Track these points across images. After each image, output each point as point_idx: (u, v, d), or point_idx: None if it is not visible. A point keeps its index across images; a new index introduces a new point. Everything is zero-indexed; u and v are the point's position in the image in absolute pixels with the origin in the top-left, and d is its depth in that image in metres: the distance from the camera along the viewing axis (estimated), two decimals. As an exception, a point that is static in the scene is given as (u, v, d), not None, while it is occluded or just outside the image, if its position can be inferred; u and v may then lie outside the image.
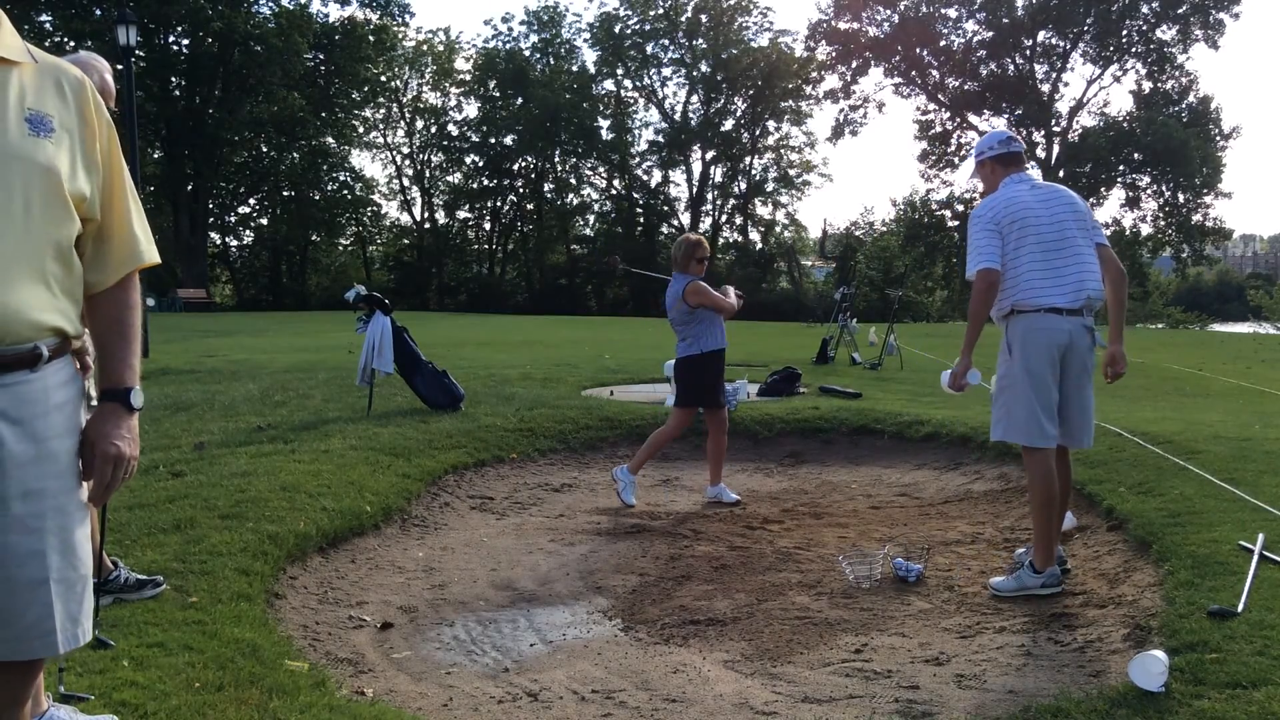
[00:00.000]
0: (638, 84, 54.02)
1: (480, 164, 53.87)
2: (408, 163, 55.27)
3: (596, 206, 56.20)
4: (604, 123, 52.79)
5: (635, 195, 54.66)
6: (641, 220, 54.47)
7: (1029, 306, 4.17)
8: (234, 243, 53.25)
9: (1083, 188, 45.51)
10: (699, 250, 6.36)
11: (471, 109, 56.07)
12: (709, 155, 53.14)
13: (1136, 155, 43.73)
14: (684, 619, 4.22)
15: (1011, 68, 47.29)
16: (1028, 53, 46.80)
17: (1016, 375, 4.19)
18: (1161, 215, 46.03)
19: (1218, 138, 44.19)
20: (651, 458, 6.58)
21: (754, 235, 54.84)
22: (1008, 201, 4.29)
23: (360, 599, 4.45)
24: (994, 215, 4.27)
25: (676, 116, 53.19)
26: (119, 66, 15.66)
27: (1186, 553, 4.25)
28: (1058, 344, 4.15)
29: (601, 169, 54.45)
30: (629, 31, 52.12)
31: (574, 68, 53.70)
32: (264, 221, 51.85)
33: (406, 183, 55.86)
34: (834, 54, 48.48)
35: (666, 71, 53.87)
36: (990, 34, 46.40)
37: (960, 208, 48.85)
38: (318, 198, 48.63)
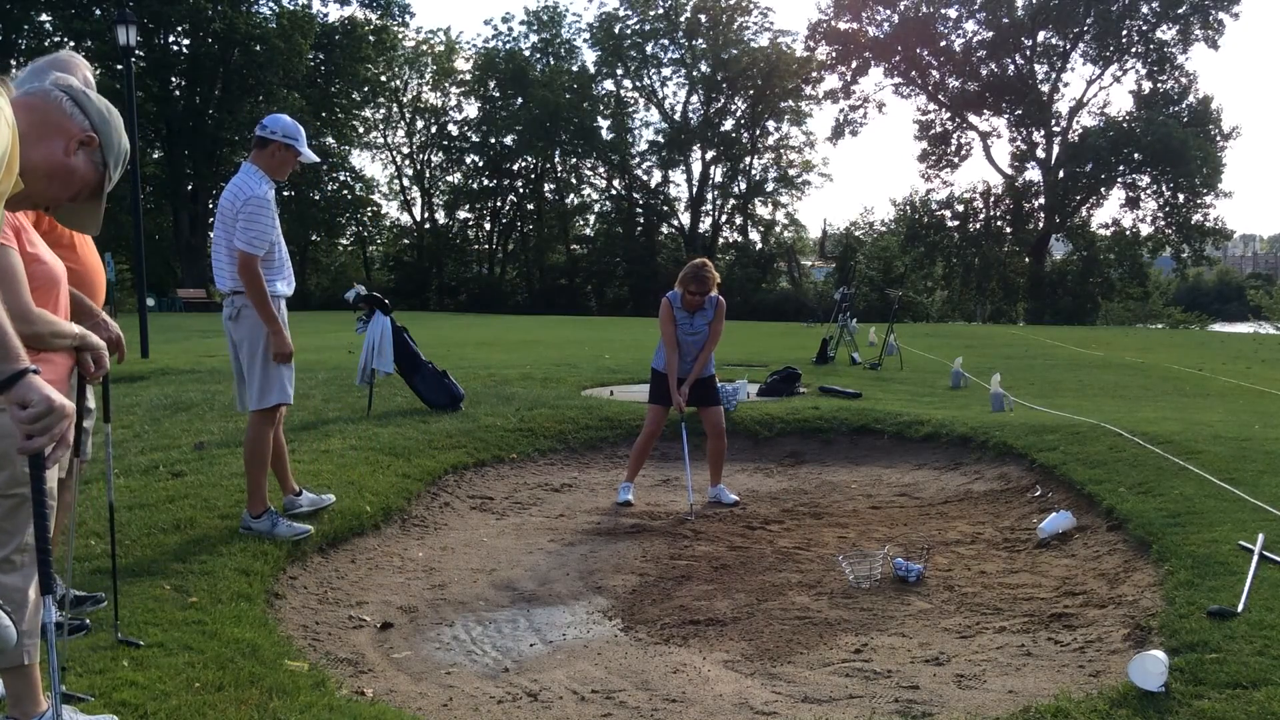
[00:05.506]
0: (638, 84, 53.96)
1: (480, 164, 53.81)
2: (408, 163, 55.27)
3: (596, 206, 56.20)
4: (604, 123, 52.71)
5: (635, 195, 54.59)
6: (641, 220, 54.41)
7: None
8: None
9: (1083, 188, 45.57)
10: (686, 279, 6.26)
11: (471, 109, 55.90)
12: (709, 155, 53.06)
13: (1136, 155, 43.65)
14: (684, 619, 4.22)
15: (1011, 68, 47.28)
16: (1028, 53, 46.78)
17: None
18: (1161, 215, 45.97)
19: (1218, 138, 44.14)
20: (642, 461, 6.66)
21: (754, 235, 54.79)
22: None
23: (360, 599, 4.45)
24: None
25: (676, 116, 53.13)
26: (119, 66, 15.65)
27: (1186, 553, 4.25)
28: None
29: (601, 169, 54.40)
30: (629, 31, 52.04)
31: (574, 68, 53.59)
32: (264, 222, 51.75)
33: (406, 183, 55.75)
34: (834, 54, 48.47)
35: (666, 71, 53.79)
36: (990, 34, 46.39)
37: (960, 208, 48.87)
38: (318, 198, 48.56)
